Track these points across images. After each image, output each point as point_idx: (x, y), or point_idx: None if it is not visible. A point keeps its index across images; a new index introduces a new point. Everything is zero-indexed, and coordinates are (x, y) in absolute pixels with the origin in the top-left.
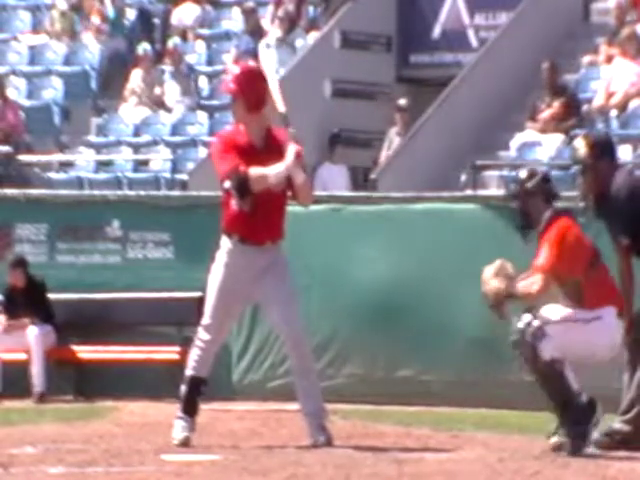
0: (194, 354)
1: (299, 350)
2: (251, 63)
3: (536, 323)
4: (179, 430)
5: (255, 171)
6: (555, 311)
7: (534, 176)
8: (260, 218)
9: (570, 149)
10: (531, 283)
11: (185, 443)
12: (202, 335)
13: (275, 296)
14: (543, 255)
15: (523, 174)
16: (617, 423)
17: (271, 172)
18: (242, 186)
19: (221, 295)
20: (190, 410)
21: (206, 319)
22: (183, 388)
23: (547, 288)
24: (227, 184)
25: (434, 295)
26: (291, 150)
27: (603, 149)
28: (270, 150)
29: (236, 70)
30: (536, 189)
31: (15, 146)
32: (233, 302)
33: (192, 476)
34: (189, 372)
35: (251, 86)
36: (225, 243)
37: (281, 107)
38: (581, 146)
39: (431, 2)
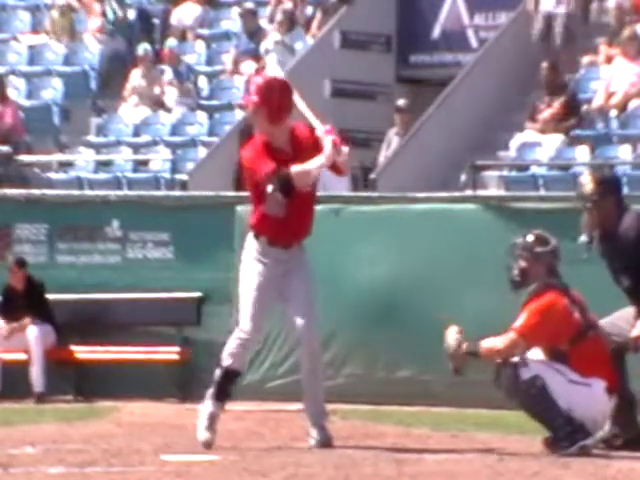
0: (232, 347)
1: (312, 352)
2: (271, 73)
3: (517, 359)
4: (202, 430)
5: (296, 168)
6: (542, 356)
7: (544, 243)
8: (290, 221)
9: (577, 185)
10: (498, 340)
11: (208, 444)
12: (240, 334)
13: (297, 296)
14: (520, 319)
15: (531, 237)
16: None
17: (312, 166)
18: (286, 185)
19: (256, 294)
20: (221, 397)
21: (245, 320)
22: (218, 374)
23: (513, 349)
24: (270, 188)
25: (434, 295)
26: (328, 141)
27: (609, 187)
28: (299, 151)
29: (258, 81)
30: (542, 258)
31: (15, 146)
32: (267, 299)
33: (192, 476)
34: (226, 362)
35: (274, 97)
36: (252, 244)
37: (319, 127)
38: (587, 182)
39: (431, 2)
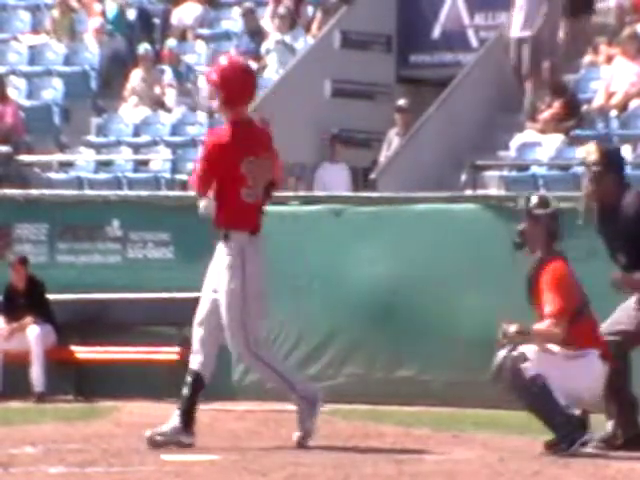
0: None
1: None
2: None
3: (516, 353)
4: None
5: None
6: (534, 348)
7: (545, 206)
8: (259, 205)
9: (581, 151)
10: (550, 324)
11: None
12: (256, 348)
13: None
14: (549, 303)
15: (535, 199)
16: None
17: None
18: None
19: (252, 298)
20: None
21: (253, 342)
22: None
23: (557, 333)
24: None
25: (434, 295)
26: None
27: (613, 161)
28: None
29: (223, 61)
30: (541, 220)
31: (15, 146)
32: (262, 299)
33: (192, 476)
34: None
35: (233, 81)
36: (233, 242)
37: None
38: (593, 151)
39: (431, 2)
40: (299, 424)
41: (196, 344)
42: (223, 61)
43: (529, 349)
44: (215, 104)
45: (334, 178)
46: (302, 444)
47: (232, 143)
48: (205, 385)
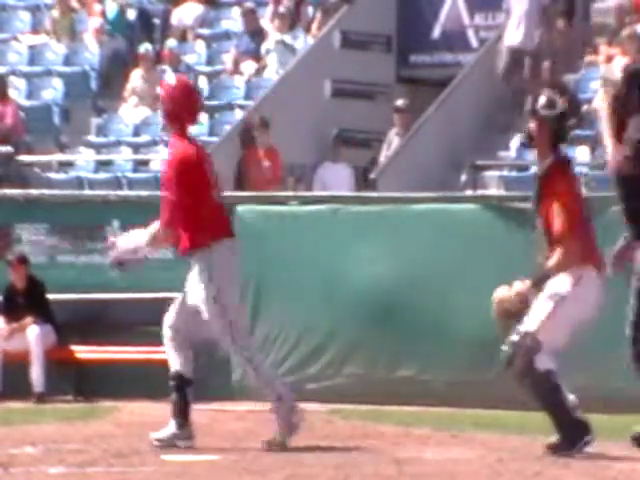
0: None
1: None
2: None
3: (529, 341)
4: None
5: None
6: (538, 311)
7: (552, 107)
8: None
9: (603, 69)
10: (554, 258)
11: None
12: (249, 352)
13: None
14: (558, 222)
15: (543, 98)
16: None
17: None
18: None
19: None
20: None
21: (240, 338)
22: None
23: (574, 249)
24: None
25: (434, 295)
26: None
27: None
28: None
29: (172, 79)
30: (548, 121)
31: (15, 146)
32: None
33: (192, 476)
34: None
35: (175, 101)
36: (206, 255)
37: None
38: (617, 70)
39: (431, 2)
40: (281, 421)
41: (171, 347)
42: (171, 80)
43: (534, 319)
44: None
45: (336, 177)
46: (283, 442)
47: (195, 149)
48: (192, 381)
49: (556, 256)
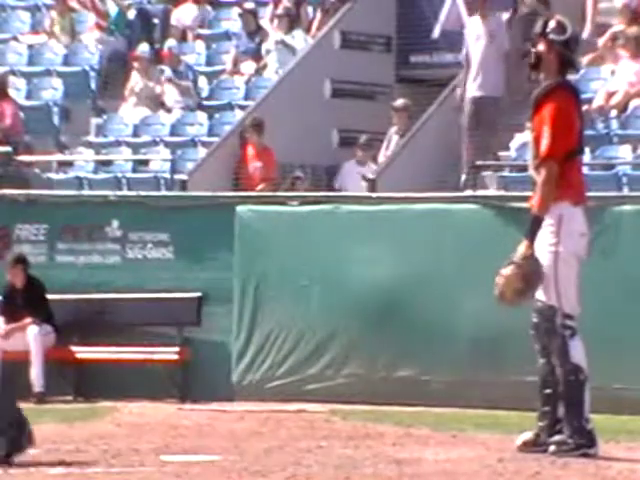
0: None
1: None
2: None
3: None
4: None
5: None
6: (547, 282)
7: (563, 32)
8: None
9: None
10: (538, 188)
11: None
12: None
13: None
14: (545, 141)
15: (552, 23)
16: None
17: None
18: None
19: None
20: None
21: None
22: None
23: (553, 175)
24: None
25: (434, 295)
26: None
27: None
28: None
29: None
30: (555, 46)
31: (15, 146)
32: None
33: (192, 476)
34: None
35: None
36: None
37: None
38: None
39: (431, 2)
40: None
41: None
42: None
43: (549, 291)
44: None
45: (348, 176)
46: None
47: None
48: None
49: (539, 184)
